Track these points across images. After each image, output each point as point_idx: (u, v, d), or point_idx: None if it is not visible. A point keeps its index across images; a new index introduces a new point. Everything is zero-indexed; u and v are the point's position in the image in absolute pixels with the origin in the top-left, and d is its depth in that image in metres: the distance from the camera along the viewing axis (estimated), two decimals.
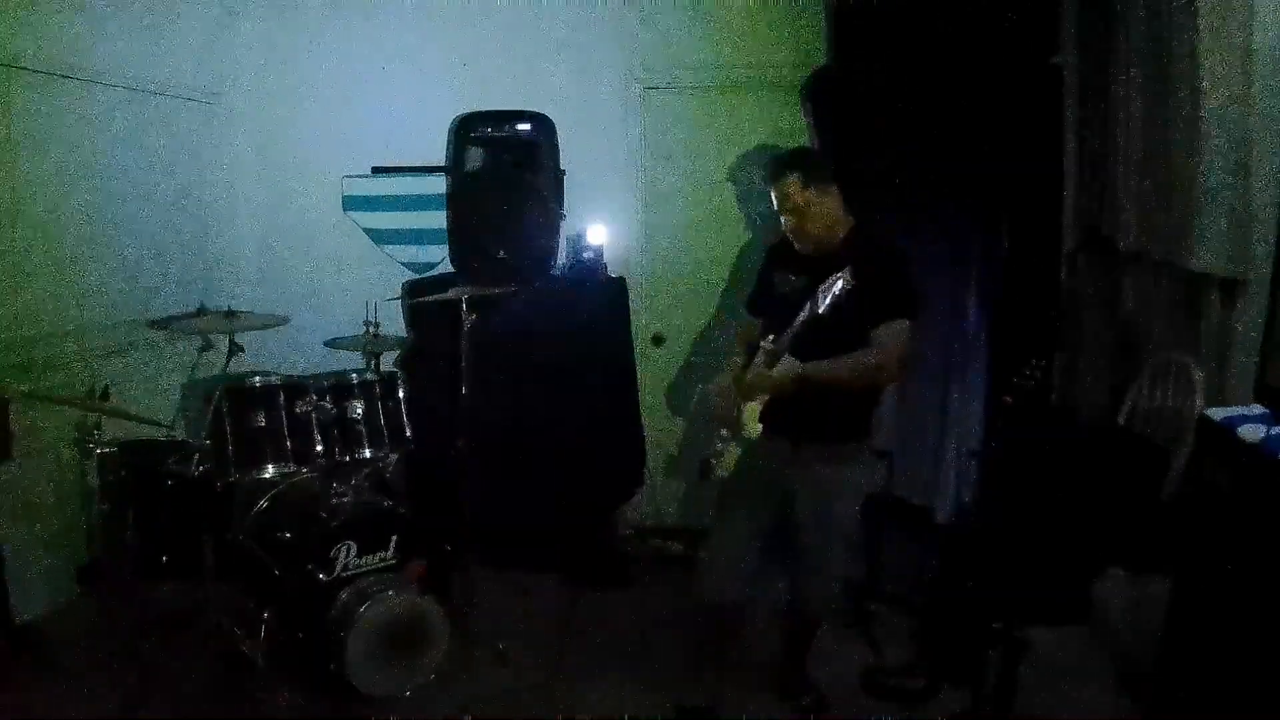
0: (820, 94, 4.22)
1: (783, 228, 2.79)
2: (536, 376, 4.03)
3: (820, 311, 2.49)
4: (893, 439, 4.32)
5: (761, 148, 4.32)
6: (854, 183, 4.19)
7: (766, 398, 2.64)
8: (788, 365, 2.59)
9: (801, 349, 2.59)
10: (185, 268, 4.42)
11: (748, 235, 4.39)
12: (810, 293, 2.54)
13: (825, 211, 2.70)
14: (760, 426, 2.64)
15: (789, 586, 2.95)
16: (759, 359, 2.67)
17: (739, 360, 2.82)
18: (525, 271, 4.16)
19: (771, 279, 2.87)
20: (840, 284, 2.46)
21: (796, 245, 2.77)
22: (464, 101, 4.41)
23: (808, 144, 4.19)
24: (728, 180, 4.42)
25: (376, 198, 4.69)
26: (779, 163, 2.75)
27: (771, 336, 2.66)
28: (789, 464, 2.75)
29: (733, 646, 2.96)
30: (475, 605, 3.53)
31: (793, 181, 2.68)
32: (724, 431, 2.73)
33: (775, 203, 2.75)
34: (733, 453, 2.72)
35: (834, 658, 3.31)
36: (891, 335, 2.59)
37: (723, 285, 4.47)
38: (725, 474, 2.75)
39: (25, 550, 3.44)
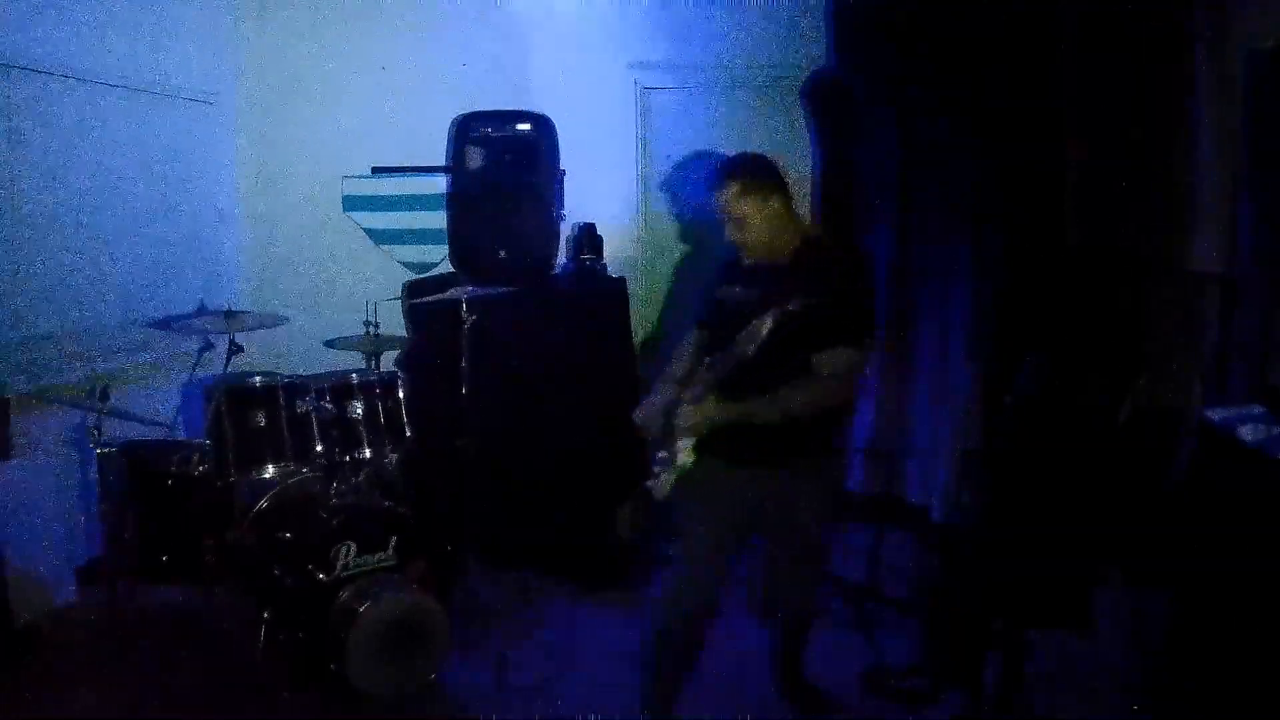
0: (820, 94, 4.22)
1: (726, 238, 2.65)
2: (536, 377, 4.04)
3: (750, 353, 2.38)
4: (893, 439, 4.33)
5: (762, 147, 4.32)
6: (852, 183, 4.25)
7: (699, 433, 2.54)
8: (717, 408, 2.49)
9: (736, 381, 2.47)
10: (185, 268, 4.42)
11: None
12: (757, 308, 2.43)
13: (768, 221, 2.57)
14: (693, 457, 2.53)
15: (767, 595, 2.91)
16: (694, 389, 2.56)
17: (676, 372, 2.74)
18: (525, 271, 4.16)
19: (717, 292, 2.72)
20: (772, 319, 2.34)
21: (742, 257, 2.65)
22: (464, 101, 4.41)
23: (809, 142, 4.20)
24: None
25: (376, 198, 4.69)
26: (718, 170, 2.62)
27: (708, 360, 2.55)
28: (744, 483, 2.59)
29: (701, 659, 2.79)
30: (475, 605, 3.53)
31: (730, 190, 2.56)
32: (661, 454, 2.59)
33: (718, 212, 2.62)
34: (669, 478, 2.58)
35: (835, 658, 3.30)
36: (835, 365, 2.44)
37: None
38: (663, 497, 2.61)
39: (25, 550, 3.44)
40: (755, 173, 2.60)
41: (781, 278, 2.50)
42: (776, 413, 2.45)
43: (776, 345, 2.38)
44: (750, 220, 2.56)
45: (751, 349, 2.37)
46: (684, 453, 2.52)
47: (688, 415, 2.52)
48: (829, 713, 2.99)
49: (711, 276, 2.80)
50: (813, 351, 2.42)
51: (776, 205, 2.58)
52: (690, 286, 4.56)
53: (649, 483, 2.62)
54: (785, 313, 2.34)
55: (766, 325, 2.36)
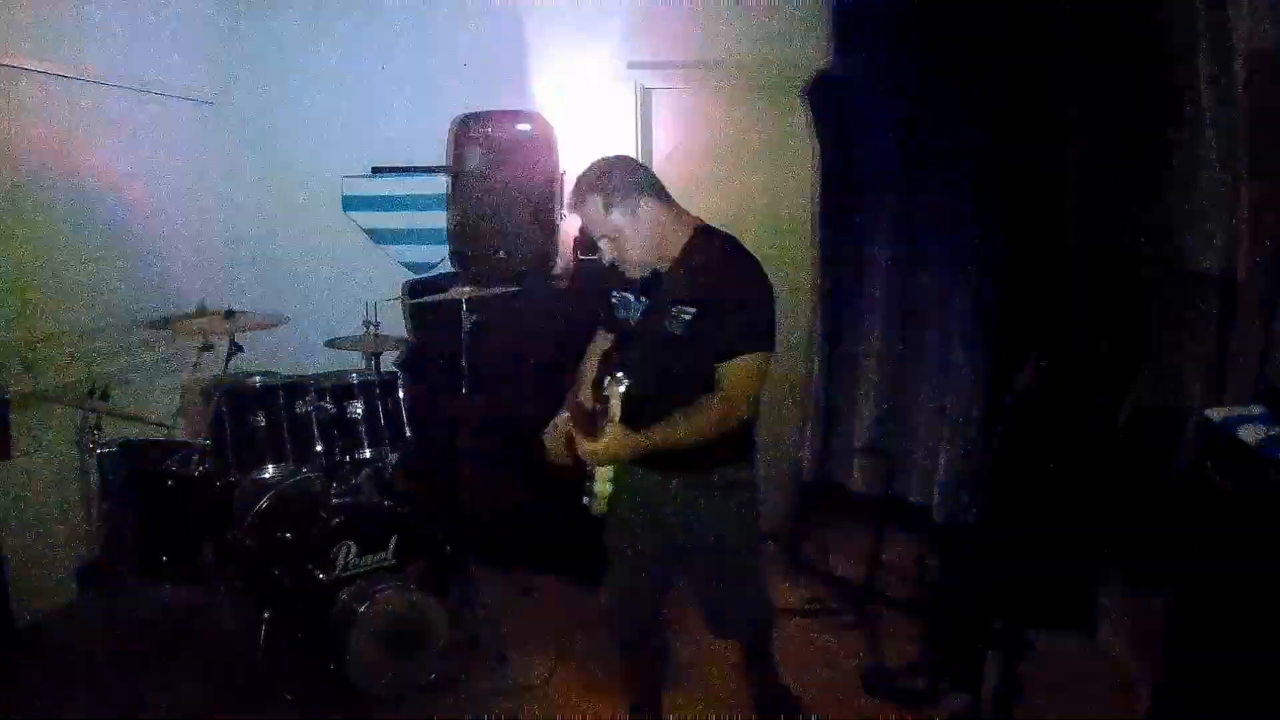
0: (820, 94, 4.22)
1: (604, 260, 2.40)
2: (537, 376, 4.03)
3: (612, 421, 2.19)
4: (893, 439, 4.33)
5: (762, 147, 4.32)
6: (853, 182, 4.24)
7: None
8: (622, 436, 2.22)
9: (639, 403, 2.24)
10: (185, 268, 4.42)
11: (747, 235, 4.39)
12: (645, 318, 2.32)
13: (644, 229, 2.29)
14: (611, 487, 2.34)
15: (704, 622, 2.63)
16: (603, 398, 2.28)
17: (581, 384, 2.57)
18: (525, 271, 4.16)
19: (611, 298, 2.49)
20: (623, 390, 2.18)
21: (628, 271, 2.37)
22: (464, 101, 4.41)
23: (809, 142, 4.18)
24: (728, 180, 4.42)
25: (376, 198, 4.69)
26: (576, 186, 2.33)
27: (607, 379, 2.27)
28: (662, 496, 2.41)
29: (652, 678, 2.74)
30: (475, 605, 3.53)
31: (592, 207, 2.29)
32: (588, 468, 2.38)
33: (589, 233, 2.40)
34: (598, 502, 2.40)
35: (834, 658, 3.31)
36: (739, 375, 2.22)
37: None
38: (601, 512, 2.44)
39: (25, 550, 3.44)
40: (614, 178, 2.30)
41: (669, 285, 2.31)
42: (684, 437, 2.23)
43: (675, 357, 2.24)
44: (624, 234, 2.29)
45: (610, 424, 2.19)
46: (600, 480, 2.34)
47: (590, 454, 2.26)
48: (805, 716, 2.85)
49: (607, 274, 2.52)
50: (715, 361, 2.22)
51: (648, 209, 2.29)
52: None
53: (584, 499, 2.42)
54: (633, 384, 2.18)
55: (614, 407, 2.18)
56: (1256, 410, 2.50)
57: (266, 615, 3.13)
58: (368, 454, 3.49)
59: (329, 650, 2.97)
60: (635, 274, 2.37)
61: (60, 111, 3.72)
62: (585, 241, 4.29)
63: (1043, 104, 3.73)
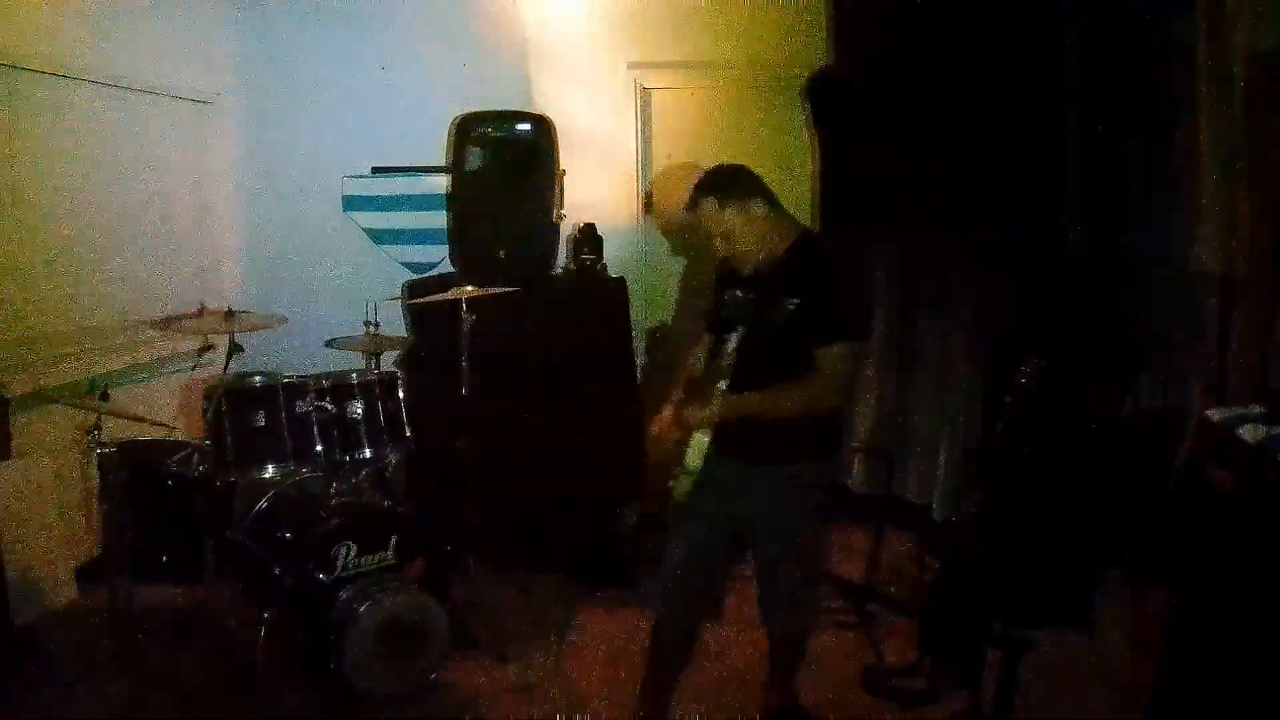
0: (820, 94, 4.22)
1: (716, 254, 2.64)
2: (537, 376, 4.04)
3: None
4: (892, 439, 4.33)
5: (761, 147, 4.32)
6: (853, 182, 4.25)
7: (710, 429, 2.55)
8: (723, 398, 2.51)
9: (744, 368, 2.51)
10: (185, 268, 4.43)
11: None
12: (751, 311, 2.51)
13: (753, 229, 2.54)
14: (699, 462, 2.54)
15: (759, 609, 2.76)
16: (699, 373, 2.62)
17: (687, 381, 2.74)
18: (525, 271, 4.16)
19: (723, 298, 2.70)
20: (737, 341, 2.49)
21: (737, 268, 2.62)
22: (464, 101, 4.42)
23: (809, 142, 4.19)
24: None
25: (376, 198, 4.69)
26: (694, 188, 2.58)
27: (711, 354, 2.59)
28: (743, 487, 2.58)
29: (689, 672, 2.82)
30: (475, 605, 3.53)
31: (709, 206, 2.53)
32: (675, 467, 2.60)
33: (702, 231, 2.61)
34: (684, 481, 2.59)
35: (834, 658, 3.31)
36: (835, 359, 2.46)
37: None
38: (682, 496, 2.62)
39: (25, 550, 3.44)
40: (730, 183, 2.56)
41: (776, 279, 2.51)
42: (781, 406, 2.47)
43: (778, 339, 2.44)
44: (735, 232, 2.53)
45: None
46: (690, 456, 2.54)
47: (698, 419, 2.54)
48: None
49: (717, 279, 2.77)
50: (815, 347, 2.44)
51: (759, 210, 2.54)
52: (691, 286, 4.57)
53: (670, 483, 2.62)
54: (788, 307, 2.42)
55: (736, 345, 2.46)
56: (1256, 410, 2.51)
57: (266, 615, 3.12)
58: (368, 454, 3.49)
59: (329, 650, 2.96)
60: (745, 270, 2.59)
61: (60, 111, 3.72)
62: (584, 241, 4.30)
63: (1043, 103, 3.74)
